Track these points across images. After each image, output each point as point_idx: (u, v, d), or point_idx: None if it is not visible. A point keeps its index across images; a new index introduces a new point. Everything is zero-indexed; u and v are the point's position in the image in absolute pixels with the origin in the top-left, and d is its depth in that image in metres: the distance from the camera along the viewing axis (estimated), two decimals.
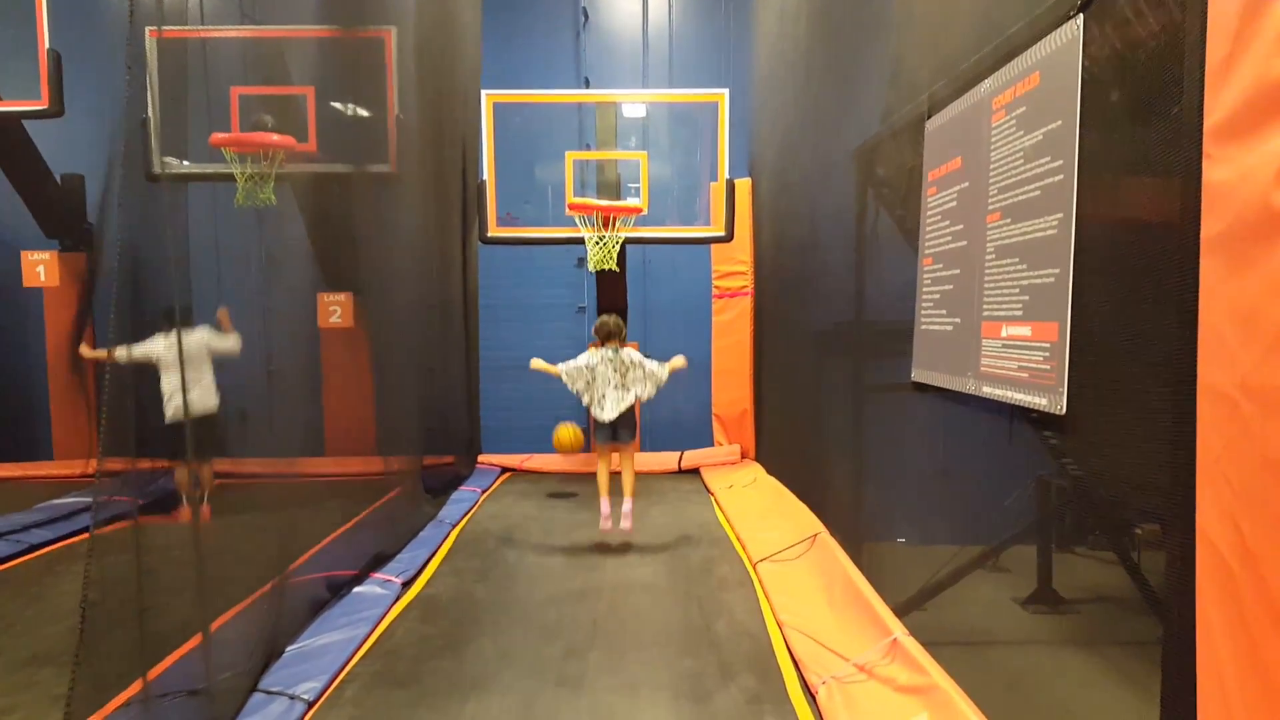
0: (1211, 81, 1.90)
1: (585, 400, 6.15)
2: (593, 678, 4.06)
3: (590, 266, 8.60)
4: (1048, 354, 2.87)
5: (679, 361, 6.20)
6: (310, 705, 3.69)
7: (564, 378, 6.13)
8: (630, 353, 6.16)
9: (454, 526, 7.00)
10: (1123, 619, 3.81)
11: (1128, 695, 3.22)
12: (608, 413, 6.04)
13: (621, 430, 6.17)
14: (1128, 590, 3.20)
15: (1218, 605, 1.85)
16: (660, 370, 6.13)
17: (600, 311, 9.64)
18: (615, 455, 6.40)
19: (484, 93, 8.53)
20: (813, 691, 3.82)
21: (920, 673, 3.50)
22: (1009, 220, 3.19)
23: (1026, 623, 4.00)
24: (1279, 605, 1.66)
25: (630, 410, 6.15)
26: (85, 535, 5.78)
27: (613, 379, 6.08)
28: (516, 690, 3.92)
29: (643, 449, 10.13)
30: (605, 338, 6.16)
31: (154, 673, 3.35)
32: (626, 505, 6.20)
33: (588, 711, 3.70)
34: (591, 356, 6.13)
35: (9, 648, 4.46)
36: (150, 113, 6.99)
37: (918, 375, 4.18)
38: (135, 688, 3.14)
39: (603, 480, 6.32)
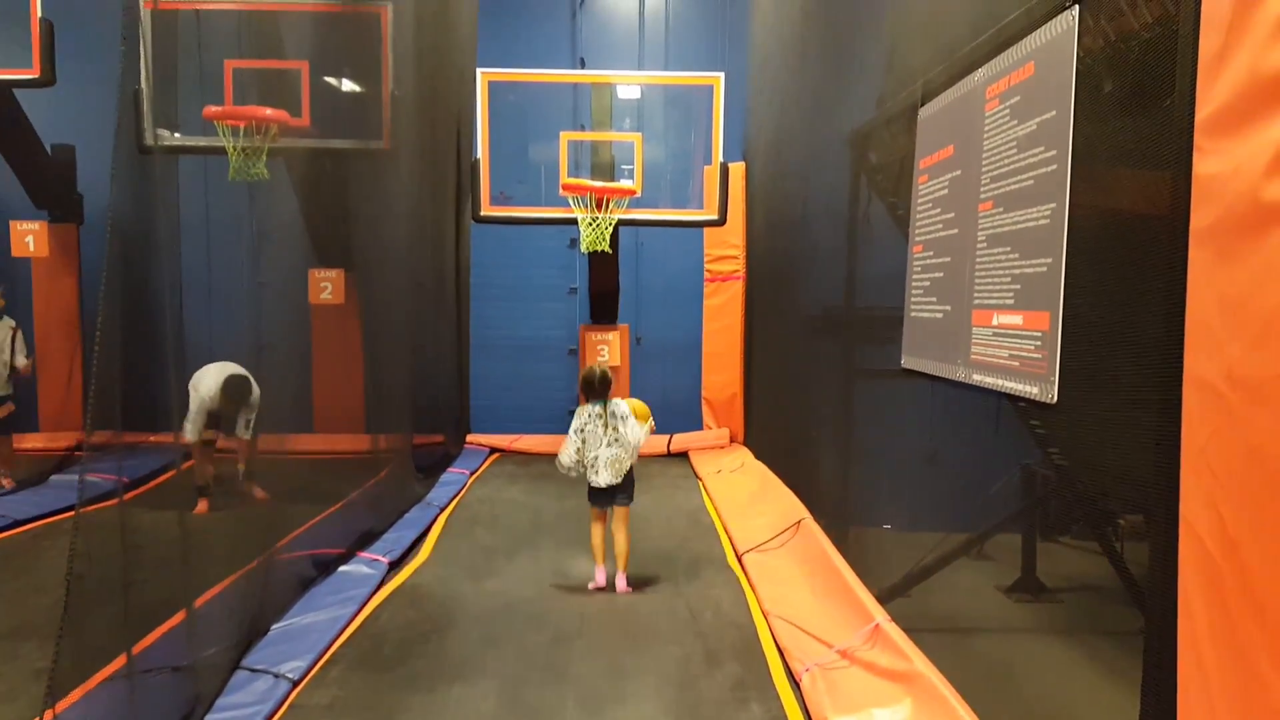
0: (1204, 74, 1.90)
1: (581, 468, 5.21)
2: (579, 664, 4.06)
3: (583, 248, 8.57)
4: (1039, 343, 2.87)
5: (650, 426, 5.32)
6: (295, 684, 3.69)
7: (569, 458, 5.16)
8: (620, 405, 5.19)
9: (442, 510, 6.98)
10: (1105, 608, 3.84)
11: (1108, 684, 3.26)
12: (602, 477, 5.07)
13: (619, 494, 5.17)
14: (1110, 580, 3.23)
15: (1200, 593, 1.86)
16: (639, 434, 5.16)
17: (592, 292, 9.62)
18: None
19: (479, 71, 8.47)
20: (797, 679, 3.83)
21: (902, 658, 3.52)
22: (1001, 209, 3.18)
23: (1009, 611, 4.04)
24: (1260, 592, 1.67)
25: (629, 470, 5.18)
26: (72, 513, 5.77)
27: (604, 438, 5.08)
28: (502, 675, 3.91)
29: None
30: (589, 392, 5.17)
31: (138, 648, 3.34)
32: (621, 581, 5.16)
33: (574, 697, 3.70)
34: (578, 417, 5.17)
35: None
36: (144, 84, 6.93)
37: (908, 362, 4.19)
38: (119, 662, 3.14)
39: (597, 545, 5.25)
